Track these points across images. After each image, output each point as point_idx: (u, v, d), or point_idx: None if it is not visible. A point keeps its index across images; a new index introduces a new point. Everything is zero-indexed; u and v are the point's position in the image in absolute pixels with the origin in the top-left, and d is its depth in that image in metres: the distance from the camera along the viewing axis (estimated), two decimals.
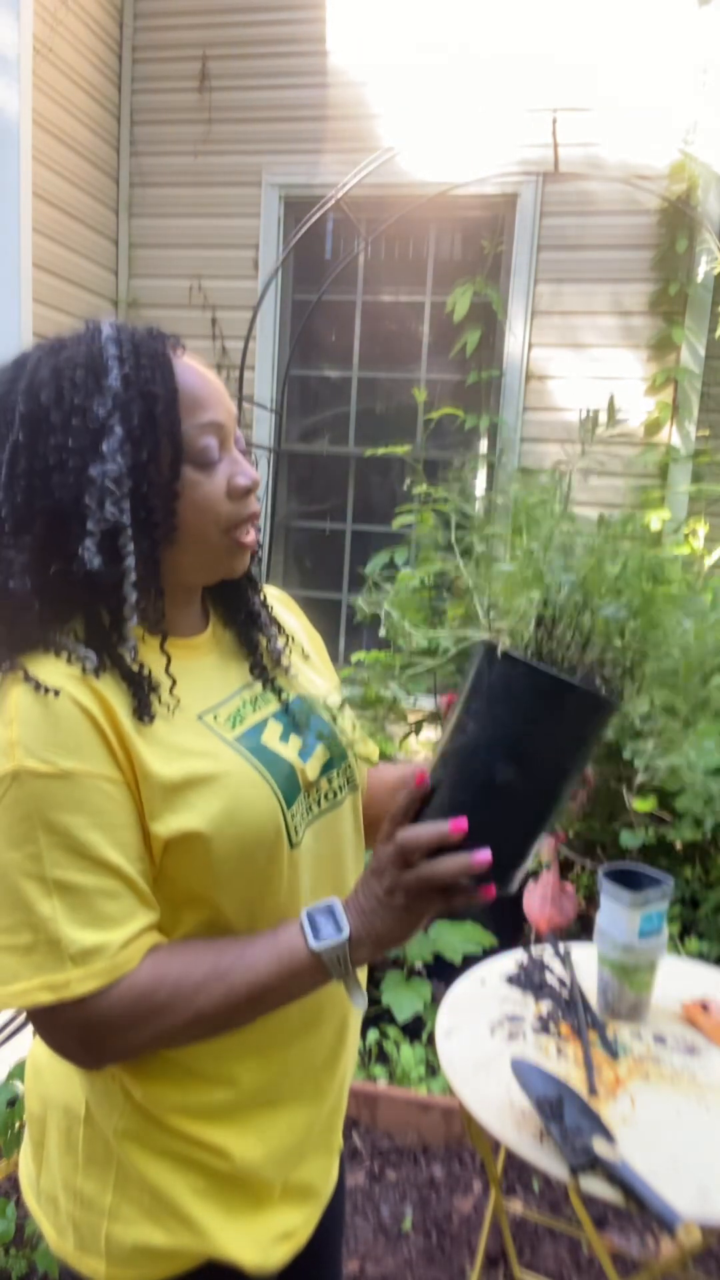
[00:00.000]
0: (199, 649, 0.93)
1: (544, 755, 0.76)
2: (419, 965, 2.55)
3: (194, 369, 0.85)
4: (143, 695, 0.81)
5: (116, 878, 0.77)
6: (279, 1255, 0.91)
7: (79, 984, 0.75)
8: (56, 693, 0.77)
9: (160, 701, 0.83)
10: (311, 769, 0.92)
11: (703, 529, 2.99)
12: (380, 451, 3.35)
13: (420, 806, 0.78)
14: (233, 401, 0.89)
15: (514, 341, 3.79)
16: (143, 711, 0.80)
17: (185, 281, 4.04)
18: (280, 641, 1.01)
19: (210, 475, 0.84)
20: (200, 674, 0.91)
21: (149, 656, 0.85)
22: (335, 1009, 0.95)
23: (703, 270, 3.48)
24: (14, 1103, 1.59)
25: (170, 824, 0.79)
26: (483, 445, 3.96)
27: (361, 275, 3.99)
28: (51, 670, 0.79)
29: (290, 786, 0.88)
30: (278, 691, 0.96)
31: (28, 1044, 1.78)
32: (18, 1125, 1.59)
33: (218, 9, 3.88)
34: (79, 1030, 0.78)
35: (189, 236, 4.03)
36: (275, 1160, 0.91)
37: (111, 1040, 0.79)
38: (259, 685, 0.95)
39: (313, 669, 1.06)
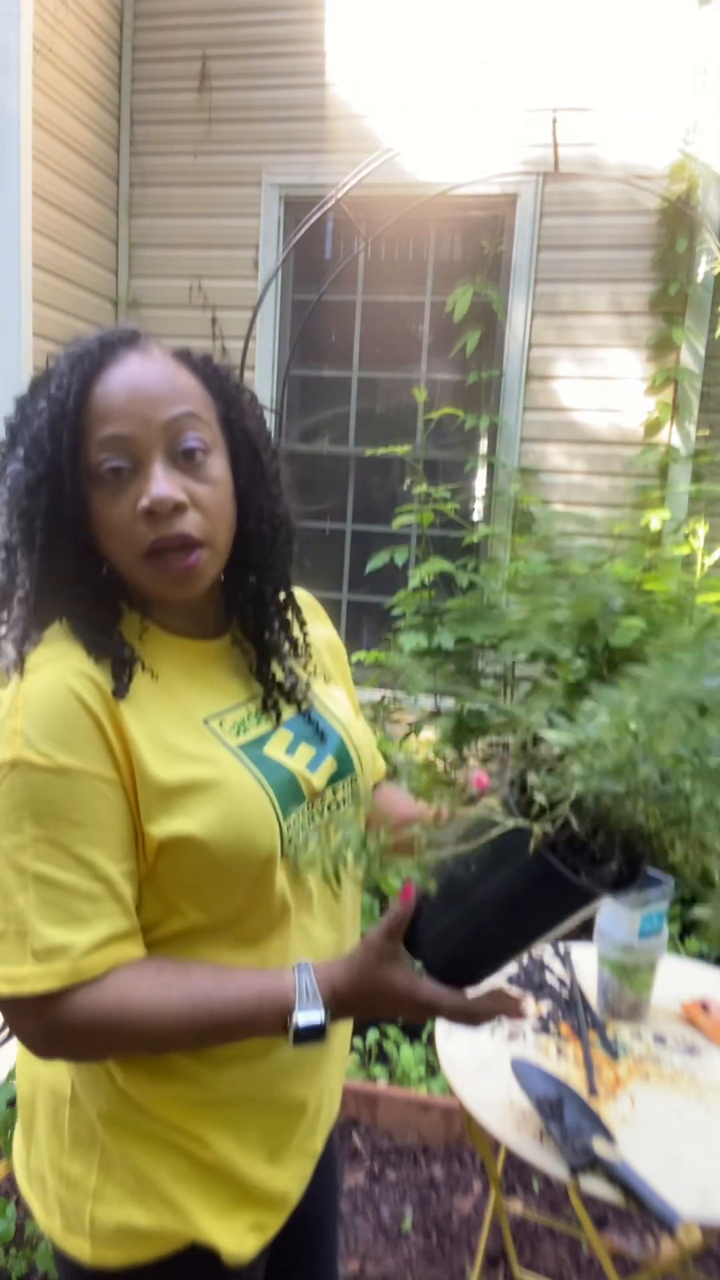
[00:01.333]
0: (213, 653, 0.93)
1: (540, 923, 0.76)
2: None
3: (126, 374, 0.81)
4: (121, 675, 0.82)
5: (96, 879, 0.77)
6: (251, 1245, 0.92)
7: (36, 981, 0.75)
8: (62, 688, 0.78)
9: (129, 679, 0.82)
10: (318, 779, 0.93)
11: (703, 529, 2.99)
12: (380, 451, 3.35)
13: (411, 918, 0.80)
14: (182, 398, 0.82)
15: (514, 341, 3.79)
16: (120, 691, 0.80)
17: (185, 281, 4.04)
18: (302, 652, 1.00)
19: (116, 497, 0.80)
20: (212, 678, 0.91)
21: (155, 649, 0.86)
22: None
23: (703, 270, 3.48)
24: (14, 1103, 1.59)
25: (165, 827, 0.79)
26: (483, 445, 3.96)
27: (361, 275, 3.99)
28: (63, 665, 0.79)
29: (290, 796, 0.88)
30: (294, 702, 0.96)
31: None
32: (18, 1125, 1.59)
33: (218, 9, 3.88)
34: (34, 1024, 0.78)
35: (189, 236, 4.03)
36: (249, 1158, 0.91)
37: (66, 1044, 0.79)
38: (274, 694, 0.95)
39: (332, 681, 1.06)
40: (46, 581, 0.82)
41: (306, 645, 1.01)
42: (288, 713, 0.95)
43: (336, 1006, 0.79)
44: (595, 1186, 1.17)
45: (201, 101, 3.95)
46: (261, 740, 0.90)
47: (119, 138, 4.03)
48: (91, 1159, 0.89)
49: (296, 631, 0.99)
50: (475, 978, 0.81)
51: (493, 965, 0.81)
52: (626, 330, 3.70)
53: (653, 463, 3.67)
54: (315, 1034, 0.78)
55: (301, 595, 1.05)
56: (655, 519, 3.50)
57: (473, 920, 0.77)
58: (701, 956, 2.40)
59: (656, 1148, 1.24)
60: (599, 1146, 1.19)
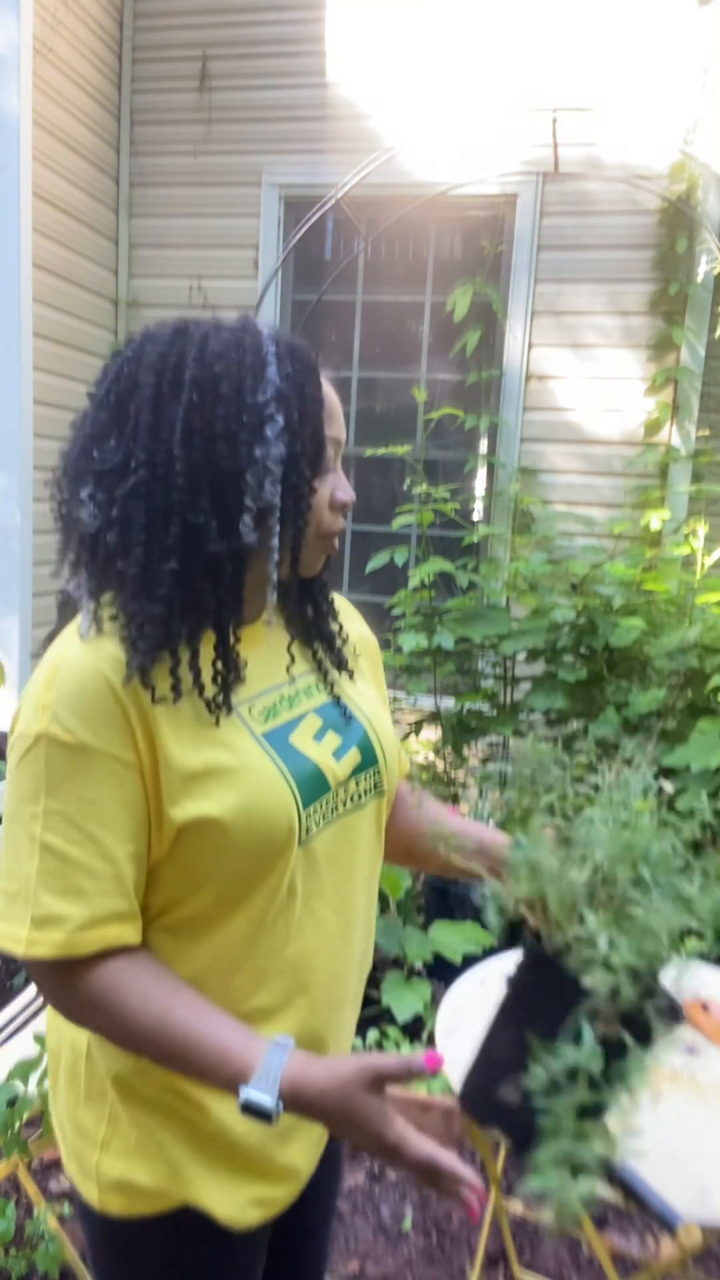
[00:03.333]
0: (251, 638, 0.94)
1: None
2: (419, 965, 2.55)
3: (328, 383, 0.92)
4: (223, 678, 0.86)
5: (101, 856, 0.80)
6: (253, 1217, 0.93)
7: (32, 946, 0.79)
8: (95, 670, 0.80)
9: (218, 687, 0.86)
10: (343, 769, 0.95)
11: (703, 529, 2.99)
12: (380, 451, 3.35)
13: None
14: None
15: (514, 341, 3.79)
16: (222, 702, 0.85)
17: (185, 281, 4.04)
18: (340, 644, 1.05)
19: (323, 482, 0.91)
20: (248, 663, 0.93)
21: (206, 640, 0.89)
22: (322, 1021, 0.96)
23: (703, 270, 3.48)
24: (14, 1102, 1.59)
25: (187, 810, 0.81)
26: (483, 445, 3.96)
27: (361, 275, 3.99)
28: (102, 648, 0.81)
29: (313, 786, 0.91)
30: (326, 690, 1.00)
31: (28, 1044, 1.78)
32: (18, 1125, 1.60)
33: (218, 9, 3.88)
34: (39, 978, 0.83)
35: (189, 236, 4.03)
36: (252, 1129, 0.91)
37: (61, 1006, 0.84)
38: (304, 681, 0.98)
39: (363, 677, 1.09)
40: (287, 549, 0.88)
41: (344, 635, 1.06)
42: (320, 698, 0.98)
43: (292, 1103, 0.77)
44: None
45: (201, 101, 3.95)
46: (290, 726, 0.93)
47: (119, 138, 4.03)
48: (101, 1113, 0.92)
49: (332, 621, 1.05)
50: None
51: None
52: (626, 330, 3.70)
53: (653, 463, 3.67)
54: (260, 1114, 0.76)
55: (336, 597, 1.10)
56: (655, 519, 3.50)
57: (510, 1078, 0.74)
58: (701, 956, 2.40)
59: (656, 1148, 1.24)
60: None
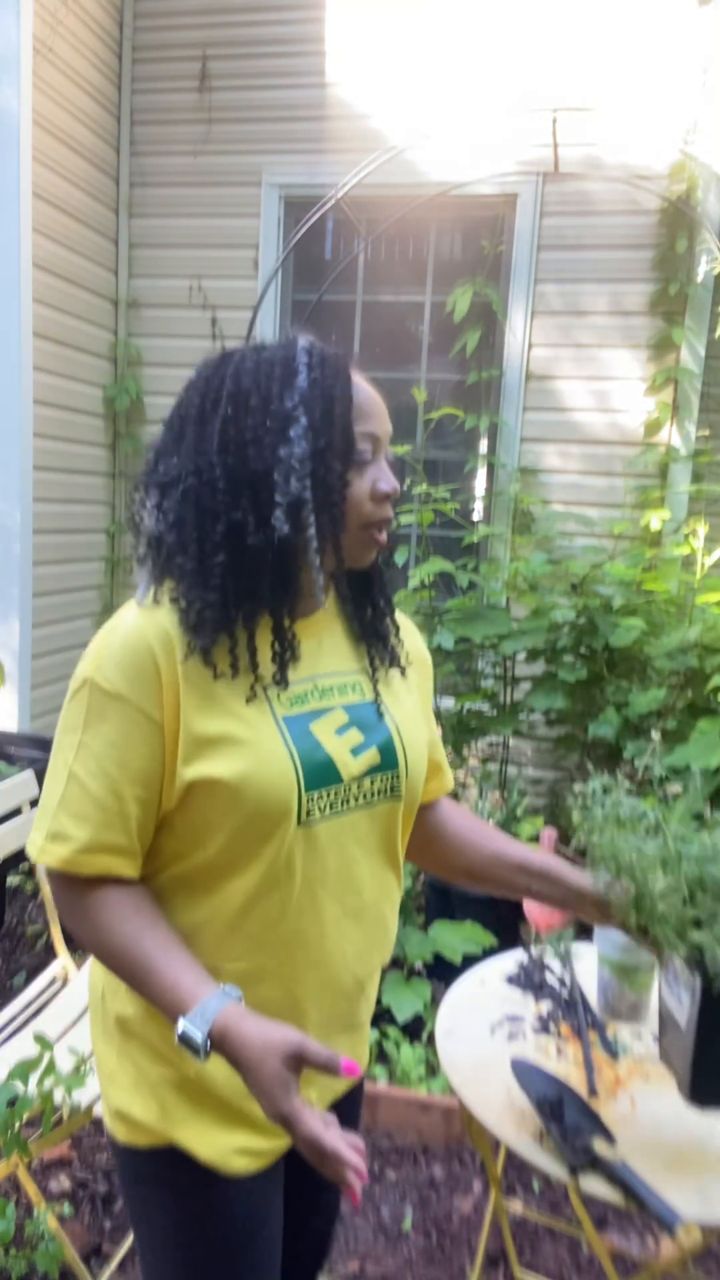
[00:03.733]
0: (307, 628, 1.02)
1: None
2: (419, 965, 2.55)
3: (365, 385, 0.99)
4: (281, 656, 0.96)
5: (110, 793, 0.92)
6: (238, 1165, 1.01)
7: (44, 855, 0.93)
8: (140, 634, 0.92)
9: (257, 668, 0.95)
10: (357, 766, 1.00)
11: (703, 529, 2.99)
12: None
13: None
14: (389, 421, 1.01)
15: (514, 341, 3.79)
16: (280, 679, 0.96)
17: (185, 281, 4.04)
18: (395, 643, 1.10)
19: (361, 475, 0.97)
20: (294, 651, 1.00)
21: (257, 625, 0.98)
22: (317, 980, 1.02)
23: (703, 270, 3.48)
24: (14, 1102, 1.59)
25: (197, 769, 0.92)
26: (483, 445, 3.96)
27: (361, 275, 3.99)
28: (154, 617, 0.93)
29: (321, 773, 0.97)
30: (366, 690, 1.05)
31: (28, 1044, 1.79)
32: (18, 1125, 1.60)
33: (218, 9, 3.88)
34: (51, 882, 0.98)
35: (189, 236, 4.03)
36: (233, 1084, 0.96)
37: (60, 908, 0.97)
38: (346, 678, 1.04)
39: (408, 688, 1.13)
40: (325, 538, 0.95)
41: (400, 641, 1.12)
42: (355, 697, 1.04)
43: (218, 1045, 0.85)
44: (595, 1186, 1.17)
45: (201, 101, 3.95)
46: (314, 715, 0.99)
47: (119, 138, 4.03)
48: (111, 1048, 1.05)
49: (389, 620, 1.10)
50: None
51: None
52: (626, 330, 3.70)
53: (653, 463, 3.67)
54: (189, 1046, 0.85)
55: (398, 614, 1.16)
56: (655, 519, 3.50)
57: None
58: None
59: (656, 1148, 1.24)
60: (599, 1146, 1.19)
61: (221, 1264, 1.04)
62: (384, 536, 1.01)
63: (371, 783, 1.01)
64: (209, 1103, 1.01)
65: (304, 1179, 1.10)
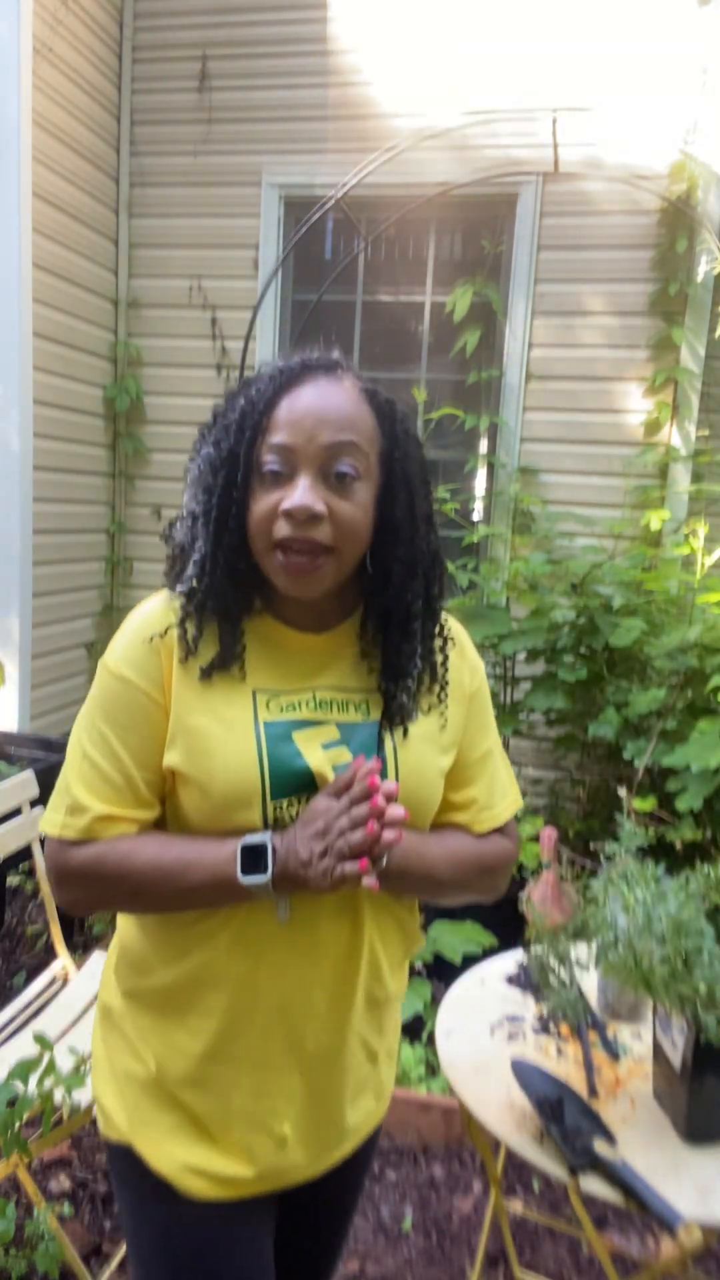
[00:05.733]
0: (310, 645, 1.01)
1: None
2: (419, 965, 2.55)
3: (311, 396, 0.93)
4: (220, 654, 0.98)
5: (119, 770, 0.96)
6: (194, 1186, 1.00)
7: (64, 829, 0.96)
8: (150, 625, 0.98)
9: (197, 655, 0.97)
10: None
11: (703, 529, 2.99)
12: None
13: None
14: (348, 428, 0.93)
15: (514, 341, 3.79)
16: (209, 670, 0.97)
17: (185, 281, 4.04)
18: (406, 692, 1.00)
19: (267, 492, 0.93)
20: (292, 663, 1.00)
21: (260, 629, 1.00)
22: (305, 999, 1.00)
23: (703, 270, 3.48)
24: (14, 1102, 1.59)
25: (173, 756, 0.95)
26: (483, 445, 3.96)
27: (361, 275, 3.99)
28: (165, 611, 0.99)
29: (293, 781, 0.95)
30: (371, 712, 1.00)
31: (28, 1044, 1.78)
32: (18, 1125, 1.59)
33: (218, 9, 3.88)
34: (51, 864, 0.99)
35: (189, 236, 4.03)
36: (200, 1099, 1.00)
37: (70, 882, 0.98)
38: (350, 695, 1.00)
39: (432, 716, 1.03)
40: (216, 553, 0.96)
41: (444, 684, 1.04)
42: (356, 716, 0.99)
43: (284, 854, 0.91)
44: (595, 1186, 1.17)
45: (201, 101, 3.95)
46: (301, 725, 0.97)
47: (119, 138, 4.03)
48: (99, 1034, 1.10)
49: (413, 664, 1.01)
50: None
51: None
52: (626, 330, 3.70)
53: (653, 463, 3.67)
54: (257, 854, 0.91)
55: (460, 633, 1.11)
56: (655, 519, 3.50)
57: None
58: None
59: (657, 1148, 1.24)
60: (599, 1146, 1.19)
61: None
62: (293, 563, 0.92)
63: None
64: (170, 1110, 1.01)
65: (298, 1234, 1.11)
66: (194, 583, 0.97)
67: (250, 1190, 1.02)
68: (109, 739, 0.96)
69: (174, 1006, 1.01)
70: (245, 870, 0.90)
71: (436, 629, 1.04)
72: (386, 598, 0.99)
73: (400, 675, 1.00)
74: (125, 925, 1.07)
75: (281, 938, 0.97)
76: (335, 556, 0.94)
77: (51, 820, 0.98)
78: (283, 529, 0.92)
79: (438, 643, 1.04)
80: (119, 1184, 1.08)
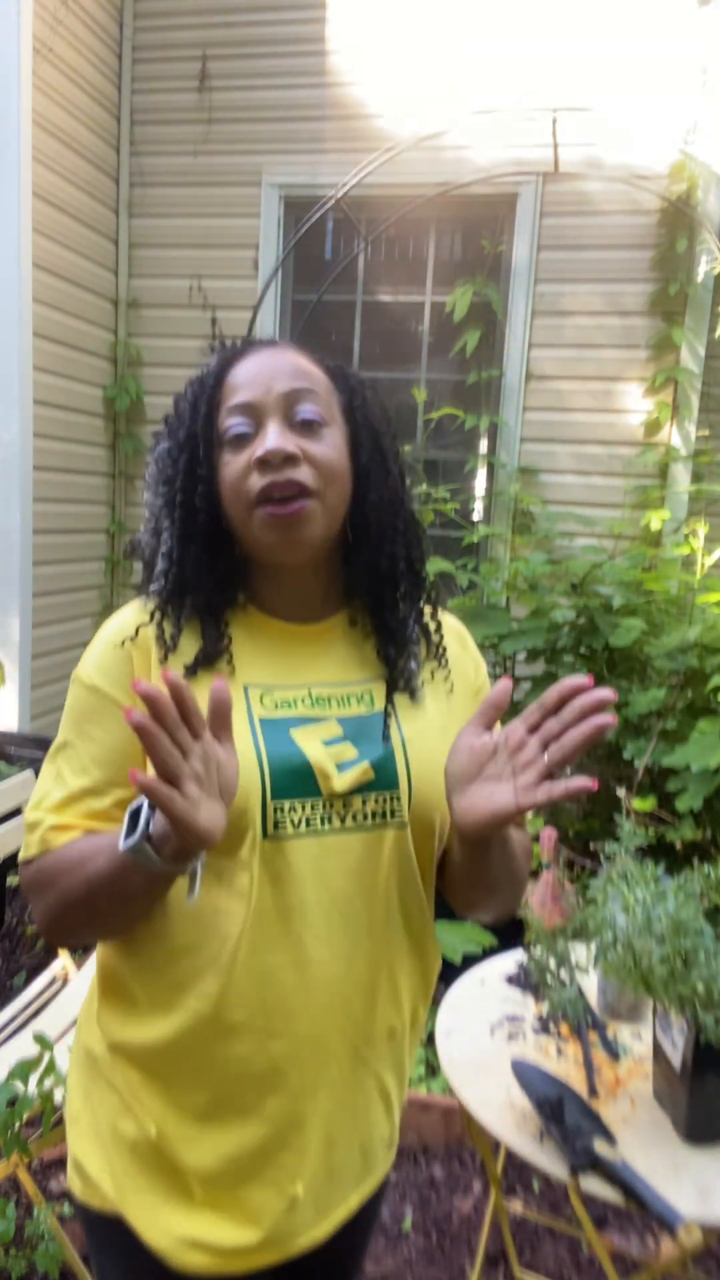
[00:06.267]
0: (299, 635, 0.96)
1: None
2: None
3: (258, 357, 0.92)
4: (204, 649, 0.92)
5: (88, 785, 0.90)
6: (192, 1261, 0.89)
7: (27, 849, 0.91)
8: (121, 632, 0.93)
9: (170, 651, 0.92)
10: (341, 781, 0.89)
11: (703, 529, 2.99)
12: None
13: None
14: (303, 377, 0.91)
15: (514, 341, 3.79)
16: (193, 666, 0.91)
17: (185, 281, 4.04)
18: (407, 669, 0.96)
19: (237, 454, 0.89)
20: (283, 657, 0.94)
21: (246, 622, 0.95)
22: (301, 1055, 0.90)
23: (703, 270, 3.48)
24: (14, 1102, 1.59)
25: None
26: (483, 445, 3.96)
27: (361, 275, 3.99)
28: (136, 615, 0.94)
29: (294, 781, 0.87)
30: (375, 704, 0.94)
31: (28, 1044, 1.78)
32: (18, 1125, 1.59)
33: (218, 9, 3.88)
34: (25, 886, 0.92)
35: (189, 236, 4.03)
36: (204, 1158, 0.89)
37: (31, 904, 0.92)
38: (353, 689, 0.94)
39: (443, 707, 0.99)
40: (185, 543, 0.92)
41: (441, 648, 1.01)
42: (360, 709, 0.93)
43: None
44: (595, 1186, 1.17)
45: (201, 101, 3.95)
46: (299, 721, 0.90)
47: (119, 138, 4.03)
48: (78, 1084, 0.98)
49: (412, 644, 0.97)
50: None
51: None
52: (626, 330, 3.70)
53: (653, 463, 3.67)
54: (143, 852, 0.76)
55: (450, 622, 1.05)
56: (655, 519, 3.50)
57: None
58: None
59: (657, 1148, 1.24)
60: (599, 1146, 1.19)
61: None
62: (285, 509, 0.87)
63: (364, 803, 0.89)
64: (166, 1174, 0.89)
65: None
66: (165, 578, 0.92)
67: (253, 1263, 0.92)
68: (80, 755, 0.91)
69: (171, 1068, 0.90)
70: (127, 835, 0.77)
71: (423, 596, 1.01)
72: (369, 554, 0.95)
73: (398, 640, 0.96)
74: (105, 956, 0.96)
75: (289, 972, 0.87)
76: (319, 501, 0.89)
77: (27, 845, 0.92)
78: (258, 481, 0.87)
79: (428, 609, 1.01)
80: (101, 1256, 0.97)
